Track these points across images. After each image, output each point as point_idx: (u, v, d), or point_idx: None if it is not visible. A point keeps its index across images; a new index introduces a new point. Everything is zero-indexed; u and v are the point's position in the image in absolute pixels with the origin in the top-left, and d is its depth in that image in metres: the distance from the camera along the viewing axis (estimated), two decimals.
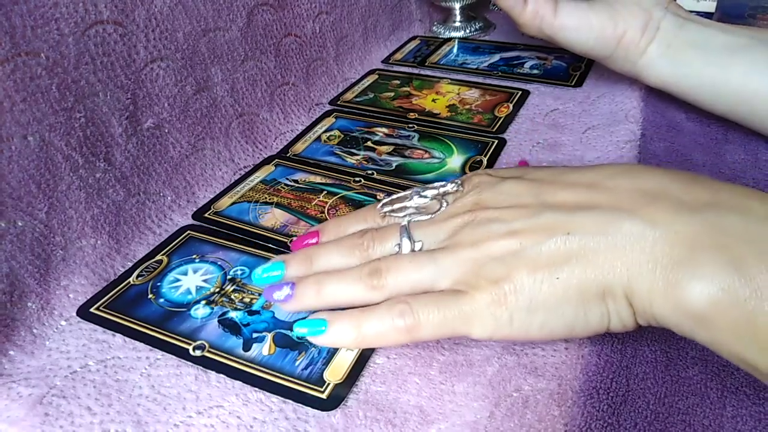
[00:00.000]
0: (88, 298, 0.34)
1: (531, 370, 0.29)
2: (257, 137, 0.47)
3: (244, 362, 0.30)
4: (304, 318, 0.29)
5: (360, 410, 0.28)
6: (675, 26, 0.45)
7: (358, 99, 0.55)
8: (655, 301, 0.24)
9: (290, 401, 0.28)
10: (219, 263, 0.36)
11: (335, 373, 0.29)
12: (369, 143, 0.48)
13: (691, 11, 0.48)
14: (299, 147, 0.48)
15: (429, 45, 0.66)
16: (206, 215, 0.40)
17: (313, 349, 0.30)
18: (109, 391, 0.29)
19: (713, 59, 0.43)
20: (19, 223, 0.31)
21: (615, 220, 0.25)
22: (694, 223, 0.24)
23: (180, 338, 0.31)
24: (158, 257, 0.37)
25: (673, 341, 0.30)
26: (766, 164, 0.43)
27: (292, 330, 0.29)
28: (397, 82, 0.58)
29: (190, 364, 0.30)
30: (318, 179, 0.43)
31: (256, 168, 0.45)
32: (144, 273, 0.35)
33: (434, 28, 0.69)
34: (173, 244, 0.38)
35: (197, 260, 0.36)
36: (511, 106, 0.52)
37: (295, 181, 0.43)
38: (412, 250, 0.29)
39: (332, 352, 0.30)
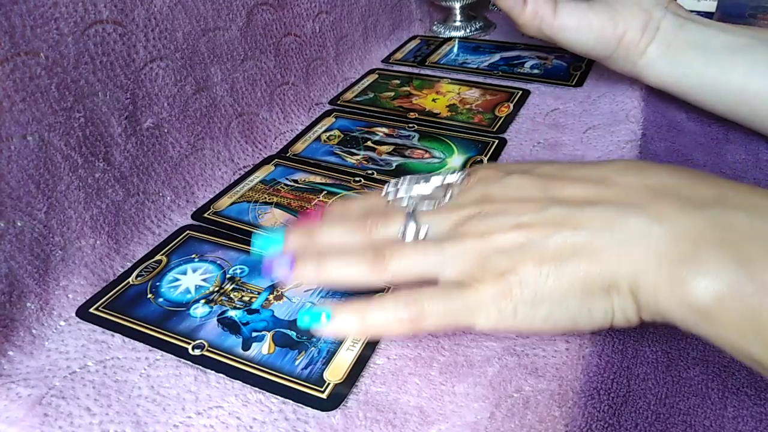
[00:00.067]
0: (88, 298, 0.34)
1: (532, 371, 0.29)
2: (257, 137, 0.47)
3: (244, 361, 0.30)
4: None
5: (360, 411, 0.27)
6: (675, 26, 0.45)
7: (358, 99, 0.55)
8: (660, 296, 0.24)
9: (290, 401, 0.28)
10: (218, 262, 0.36)
11: (335, 373, 0.29)
12: (369, 143, 0.47)
13: (692, 11, 0.48)
14: (299, 147, 0.47)
15: (429, 44, 0.66)
16: (206, 215, 0.40)
17: (312, 348, 0.30)
18: (109, 391, 0.29)
19: (713, 59, 0.43)
20: (18, 223, 0.31)
21: (622, 215, 0.25)
22: (700, 219, 0.24)
23: (179, 338, 0.31)
24: (157, 257, 0.37)
25: (674, 342, 0.30)
26: (767, 164, 0.43)
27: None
28: (398, 81, 0.57)
29: (190, 364, 0.30)
30: (318, 179, 0.43)
31: (256, 168, 0.45)
32: (143, 273, 0.35)
33: (434, 27, 0.69)
34: (173, 244, 0.38)
35: (196, 260, 0.36)
36: (511, 105, 0.52)
37: (295, 181, 0.43)
38: (416, 236, 0.29)
39: (332, 352, 0.30)
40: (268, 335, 0.31)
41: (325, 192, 0.42)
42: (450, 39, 0.67)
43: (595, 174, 0.28)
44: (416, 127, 0.49)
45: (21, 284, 0.31)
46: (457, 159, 0.45)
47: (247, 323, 0.32)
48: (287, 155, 0.46)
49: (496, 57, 0.61)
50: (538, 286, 0.26)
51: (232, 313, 0.32)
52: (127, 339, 0.31)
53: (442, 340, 0.31)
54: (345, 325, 0.28)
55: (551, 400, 0.27)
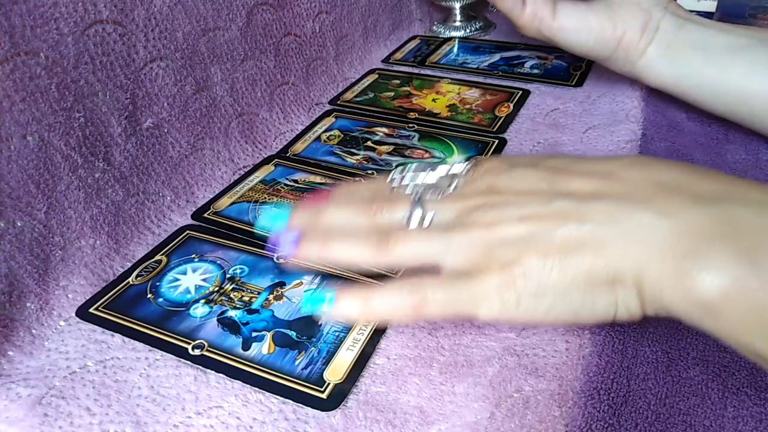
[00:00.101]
0: (87, 298, 0.34)
1: (532, 371, 0.29)
2: (257, 137, 0.47)
3: (244, 361, 0.30)
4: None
5: (360, 411, 0.27)
6: (674, 27, 0.45)
7: (358, 99, 0.55)
8: (664, 290, 0.24)
9: (290, 401, 0.28)
10: (218, 262, 0.36)
11: (335, 372, 0.29)
12: (369, 143, 0.47)
13: (692, 11, 0.48)
14: (299, 147, 0.47)
15: (429, 44, 0.66)
16: (205, 215, 0.40)
17: (312, 348, 0.30)
18: (109, 391, 0.29)
19: (713, 60, 0.43)
20: (18, 223, 0.31)
21: (627, 209, 0.25)
22: (706, 214, 0.24)
23: (179, 337, 0.31)
24: (157, 257, 0.37)
25: (674, 342, 0.30)
26: (767, 164, 0.43)
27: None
28: (397, 81, 0.57)
29: (190, 364, 0.30)
30: (318, 179, 0.43)
31: (256, 168, 0.45)
32: (143, 273, 0.35)
33: (434, 27, 0.69)
34: (172, 244, 0.38)
35: (196, 259, 0.36)
36: (511, 105, 0.52)
37: (295, 181, 0.43)
38: (421, 223, 0.29)
39: (332, 352, 0.30)
40: (268, 335, 0.31)
41: None
42: (450, 39, 0.67)
43: (601, 168, 0.28)
44: (416, 127, 0.49)
45: (21, 284, 0.31)
46: (457, 159, 0.45)
47: (247, 323, 0.32)
48: (287, 155, 0.46)
49: (496, 57, 0.61)
50: (541, 278, 0.26)
51: (232, 313, 0.32)
52: (127, 339, 0.31)
53: (442, 340, 0.31)
54: (349, 309, 0.28)
55: (551, 400, 0.27)
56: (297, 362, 0.30)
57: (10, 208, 0.31)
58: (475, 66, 0.60)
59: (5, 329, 0.30)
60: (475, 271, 0.27)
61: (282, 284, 0.34)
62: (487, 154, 0.45)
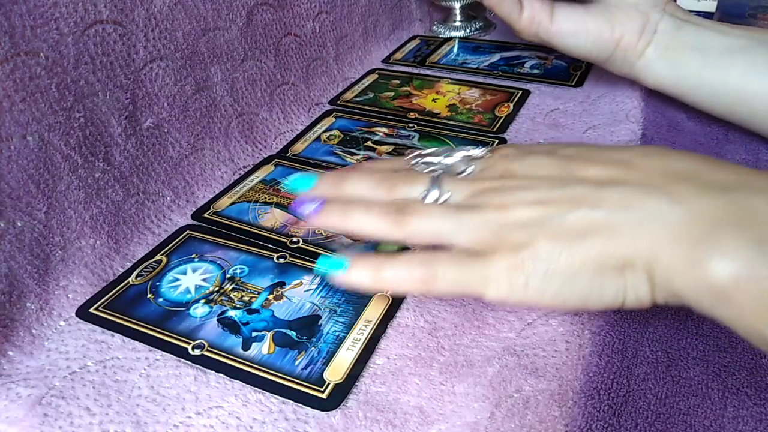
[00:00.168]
0: (87, 298, 0.34)
1: (532, 371, 0.29)
2: (257, 137, 0.47)
3: (244, 361, 0.30)
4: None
5: (360, 411, 0.27)
6: (672, 28, 0.45)
7: (358, 99, 0.55)
8: (675, 275, 0.24)
9: (290, 401, 0.28)
10: (218, 262, 0.36)
11: (335, 372, 0.29)
12: (369, 143, 0.47)
13: (691, 11, 0.48)
14: (299, 147, 0.47)
15: (429, 44, 0.66)
16: (205, 215, 0.40)
17: (312, 348, 0.30)
18: (109, 391, 0.29)
19: (711, 61, 0.43)
20: (18, 223, 0.31)
21: (641, 195, 0.25)
22: (719, 202, 0.24)
23: (179, 337, 0.31)
24: (157, 257, 0.37)
25: (674, 342, 0.30)
26: (767, 164, 0.43)
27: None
28: (397, 81, 0.57)
29: (190, 364, 0.30)
30: None
31: (256, 168, 0.45)
32: (143, 273, 0.35)
33: (434, 27, 0.69)
34: (172, 244, 0.38)
35: (196, 259, 0.36)
36: (511, 105, 0.52)
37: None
38: (438, 201, 0.29)
39: (332, 352, 0.30)
40: (268, 335, 0.31)
41: None
42: (450, 39, 0.67)
43: (617, 156, 0.28)
44: (416, 127, 0.49)
45: (21, 284, 0.31)
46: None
47: (247, 323, 0.32)
48: (287, 155, 0.46)
49: (496, 57, 0.61)
50: (551, 261, 0.26)
51: (232, 313, 0.32)
52: (127, 339, 0.31)
53: (442, 340, 0.31)
54: (360, 277, 0.28)
55: (551, 400, 0.27)
56: (297, 362, 0.30)
57: (10, 208, 0.31)
58: (475, 66, 0.60)
59: (5, 329, 0.30)
60: (485, 252, 0.27)
61: (282, 284, 0.34)
62: None
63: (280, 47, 0.49)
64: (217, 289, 0.34)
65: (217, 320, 0.32)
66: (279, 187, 0.42)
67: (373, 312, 0.32)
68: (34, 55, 0.31)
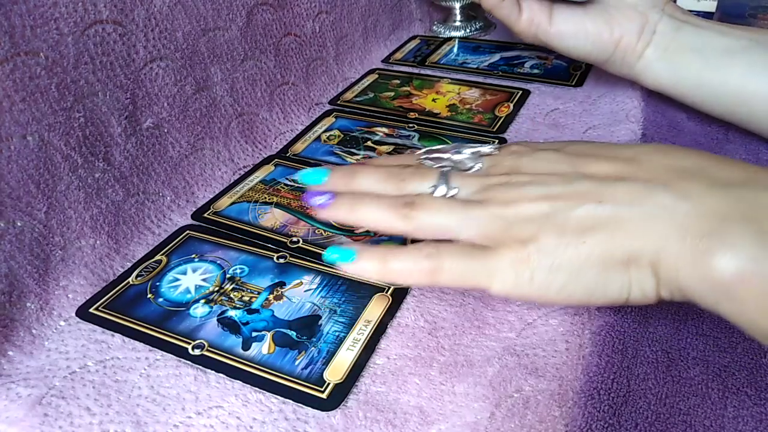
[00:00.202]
0: (88, 298, 0.34)
1: (532, 371, 0.29)
2: (257, 137, 0.47)
3: (244, 361, 0.30)
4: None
5: (360, 411, 0.27)
6: (672, 29, 0.45)
7: (358, 99, 0.55)
8: (681, 270, 0.24)
9: (290, 401, 0.28)
10: (218, 262, 0.36)
11: (335, 372, 0.29)
12: (369, 143, 0.47)
13: (691, 11, 0.48)
14: (299, 147, 0.47)
15: (429, 44, 0.66)
16: (205, 215, 0.40)
17: (312, 348, 0.30)
18: (109, 391, 0.29)
19: (711, 62, 0.43)
20: (18, 223, 0.31)
21: (646, 191, 0.26)
22: (726, 197, 0.24)
23: (179, 338, 0.31)
24: (157, 257, 0.37)
25: (674, 342, 0.30)
26: (767, 164, 0.43)
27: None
28: (397, 81, 0.57)
29: (190, 364, 0.30)
30: None
31: (256, 168, 0.45)
32: (143, 273, 0.35)
33: (434, 27, 0.69)
34: (173, 244, 0.38)
35: (196, 259, 0.36)
36: (511, 105, 0.52)
37: (295, 181, 0.43)
38: (446, 196, 0.29)
39: (332, 352, 0.30)
40: (268, 335, 0.31)
41: None
42: (450, 39, 0.67)
43: (623, 153, 0.29)
44: (416, 127, 0.49)
45: (21, 284, 0.31)
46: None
47: (247, 323, 0.32)
48: (287, 155, 0.46)
49: (496, 57, 0.61)
50: (556, 255, 0.26)
51: (232, 313, 0.32)
52: (127, 339, 0.31)
53: (442, 340, 0.31)
54: (367, 267, 0.28)
55: (551, 400, 0.27)
56: (297, 362, 0.30)
57: (10, 208, 0.31)
58: (475, 66, 0.60)
59: (5, 329, 0.30)
60: (492, 245, 0.27)
61: (282, 284, 0.34)
62: None
63: (280, 47, 0.49)
64: (217, 289, 0.34)
65: (217, 320, 0.32)
66: (279, 187, 0.42)
67: (373, 312, 0.32)
68: (34, 55, 0.31)
